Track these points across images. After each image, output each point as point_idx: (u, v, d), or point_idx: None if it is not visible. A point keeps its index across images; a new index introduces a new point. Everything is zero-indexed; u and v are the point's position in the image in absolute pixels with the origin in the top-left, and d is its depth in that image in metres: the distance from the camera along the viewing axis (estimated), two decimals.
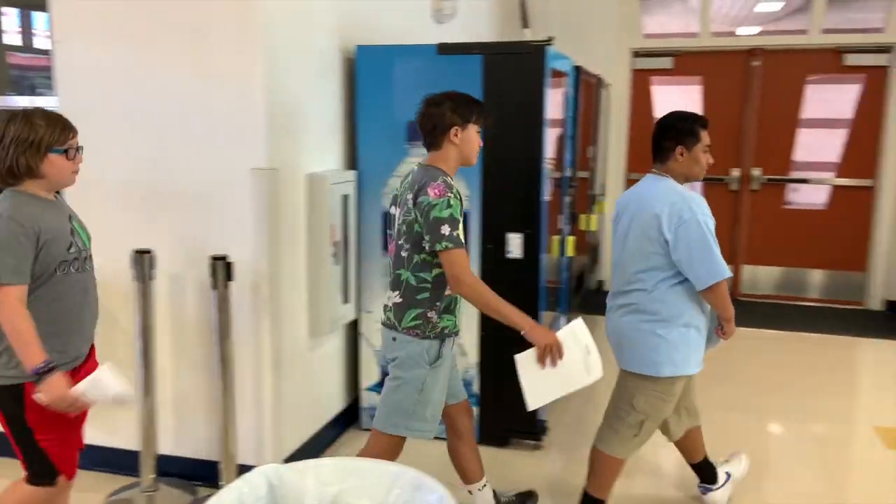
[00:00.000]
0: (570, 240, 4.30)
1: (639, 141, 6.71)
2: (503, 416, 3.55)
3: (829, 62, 6.29)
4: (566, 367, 2.39)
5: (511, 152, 3.39)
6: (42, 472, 2.19)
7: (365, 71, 3.52)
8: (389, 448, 2.53)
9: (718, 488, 3.06)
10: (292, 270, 3.23)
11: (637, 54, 6.69)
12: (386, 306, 2.53)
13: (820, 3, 6.15)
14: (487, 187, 3.44)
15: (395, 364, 2.49)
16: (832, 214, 6.50)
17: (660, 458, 3.47)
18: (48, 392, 2.02)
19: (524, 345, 2.41)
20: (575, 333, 2.43)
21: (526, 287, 3.44)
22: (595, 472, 2.79)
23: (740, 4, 6.87)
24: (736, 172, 6.55)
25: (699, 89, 6.57)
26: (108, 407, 2.19)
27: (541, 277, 3.45)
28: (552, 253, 3.95)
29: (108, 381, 2.10)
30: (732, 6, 6.91)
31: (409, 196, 2.41)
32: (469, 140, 2.47)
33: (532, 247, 3.43)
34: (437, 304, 2.44)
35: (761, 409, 4.17)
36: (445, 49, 3.40)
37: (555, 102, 3.74)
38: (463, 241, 2.37)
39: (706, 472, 3.04)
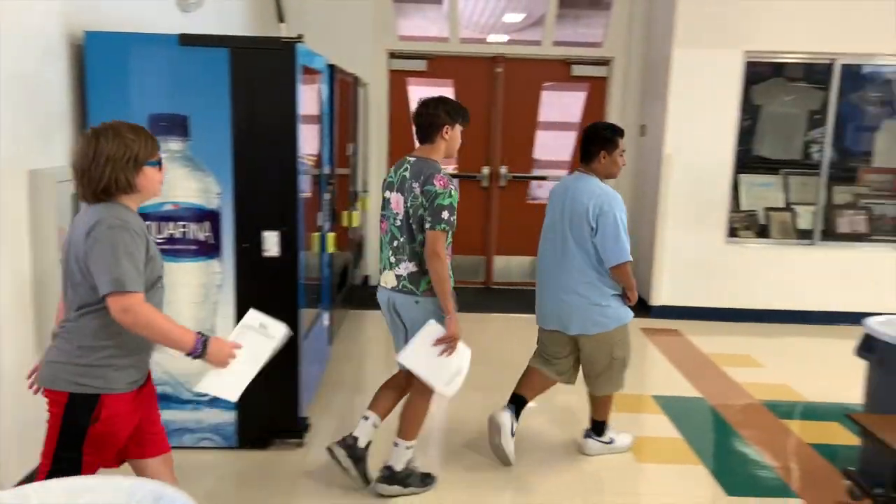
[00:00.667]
0: (331, 236, 4.34)
1: (398, 139, 6.95)
2: (262, 418, 3.48)
3: (560, 72, 7.04)
4: (441, 360, 2.97)
5: (264, 149, 3.34)
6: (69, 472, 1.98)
7: (95, 59, 3.24)
8: (431, 392, 3.07)
9: (599, 441, 3.68)
10: (14, 280, 2.88)
11: (393, 55, 6.92)
12: (399, 276, 3.00)
13: (551, 18, 6.85)
14: (241, 184, 3.34)
15: (422, 322, 2.96)
16: None
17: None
18: (217, 356, 2.12)
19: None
20: None
21: (284, 285, 3.41)
22: (597, 407, 3.64)
23: (488, 14, 7.43)
24: (486, 170, 7.07)
25: (452, 91, 6.98)
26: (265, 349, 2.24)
27: (299, 275, 3.44)
28: (312, 250, 3.97)
29: (260, 319, 2.26)
30: (482, 15, 7.45)
31: (416, 185, 2.93)
32: (455, 137, 3.04)
33: (290, 244, 3.40)
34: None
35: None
36: (188, 40, 3.25)
37: (309, 100, 3.75)
38: (455, 225, 2.93)
39: (518, 406, 3.59)
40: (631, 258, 3.31)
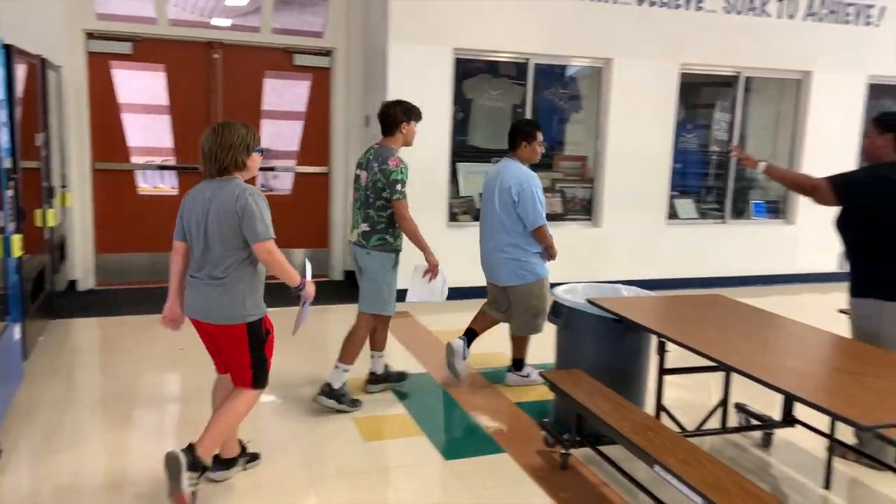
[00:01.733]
0: (16, 238, 3.82)
1: (102, 127, 6.32)
2: None
3: (282, 61, 6.95)
4: (432, 284, 4.16)
5: None
6: (263, 380, 3.12)
7: None
8: (372, 321, 4.11)
9: (518, 375, 4.56)
10: None
11: (92, 36, 6.26)
12: (359, 233, 4.03)
13: (269, 4, 6.71)
14: None
15: (370, 270, 4.03)
16: (297, 199, 7.25)
17: None
18: (310, 291, 3.09)
19: None
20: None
21: None
22: (517, 346, 4.59)
23: None
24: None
25: (164, 78, 6.52)
26: None
27: None
28: None
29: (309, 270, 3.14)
30: None
31: (376, 165, 3.93)
32: (411, 131, 4.06)
33: None
34: (391, 230, 3.99)
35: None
36: None
37: None
38: (407, 195, 3.93)
39: (470, 338, 4.60)
40: (545, 222, 4.26)
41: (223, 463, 3.25)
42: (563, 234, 7.23)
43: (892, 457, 3.35)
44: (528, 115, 6.91)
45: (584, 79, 7.42)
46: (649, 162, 7.28)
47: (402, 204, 3.90)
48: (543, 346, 5.02)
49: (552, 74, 7.30)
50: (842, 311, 4.74)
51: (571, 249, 6.79)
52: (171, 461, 2.83)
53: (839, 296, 5.27)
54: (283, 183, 7.29)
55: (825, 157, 7.80)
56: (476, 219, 7.07)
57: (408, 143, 4.10)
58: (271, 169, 7.18)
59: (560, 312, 3.95)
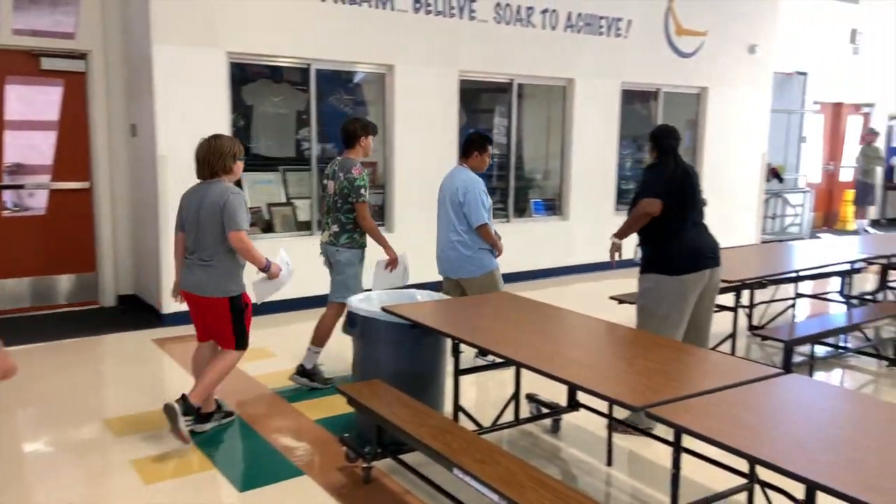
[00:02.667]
0: None
1: None
2: None
3: (27, 65, 6.12)
4: (393, 274, 4.72)
5: None
6: (244, 343, 3.90)
7: None
8: (340, 309, 4.54)
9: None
10: None
11: None
12: (329, 234, 4.61)
13: (7, 3, 5.88)
14: None
15: (339, 265, 4.59)
16: (54, 219, 6.43)
17: None
18: (275, 269, 3.90)
19: None
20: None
21: None
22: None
23: None
24: None
25: None
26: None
27: None
28: None
29: (285, 257, 4.02)
30: None
31: (342, 174, 4.50)
32: (368, 144, 4.58)
33: None
34: (358, 230, 4.56)
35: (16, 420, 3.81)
36: None
37: None
38: (368, 198, 4.49)
39: None
40: (487, 221, 4.75)
41: (202, 417, 3.90)
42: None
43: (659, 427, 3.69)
44: (313, 120, 6.74)
45: (369, 84, 7.41)
46: (435, 166, 7.43)
47: (362, 206, 4.46)
48: (341, 359, 4.90)
49: (337, 80, 7.21)
50: (612, 298, 5.19)
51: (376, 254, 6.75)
52: (169, 410, 3.58)
53: (610, 283, 5.72)
54: (37, 201, 6.42)
55: (589, 157, 8.54)
56: (267, 230, 6.78)
57: (367, 154, 4.64)
58: (20, 187, 6.30)
59: (355, 323, 3.85)
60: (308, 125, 6.83)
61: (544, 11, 7.91)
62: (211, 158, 3.74)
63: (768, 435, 2.18)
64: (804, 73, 11.84)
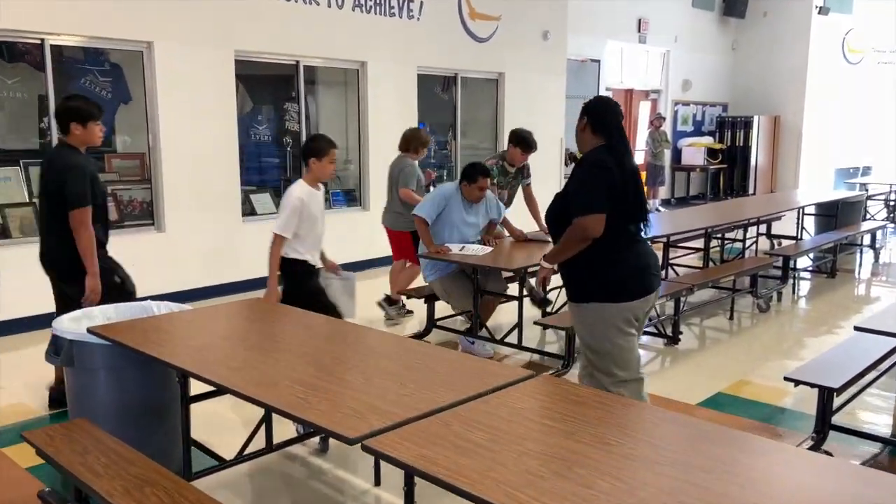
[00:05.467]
0: None
1: None
2: None
3: None
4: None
5: None
6: None
7: None
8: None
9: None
10: None
11: None
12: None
13: None
14: None
15: None
16: None
17: None
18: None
19: None
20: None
21: None
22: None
23: None
24: None
25: None
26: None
27: None
28: None
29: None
30: None
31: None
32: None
33: None
34: None
35: None
36: None
37: None
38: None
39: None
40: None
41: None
42: (122, 244, 6.26)
43: None
44: (52, 106, 5.75)
45: (130, 66, 6.48)
46: (213, 157, 6.70)
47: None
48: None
49: (88, 59, 6.23)
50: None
51: (136, 258, 5.89)
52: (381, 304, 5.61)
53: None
54: None
55: (390, 145, 8.16)
56: (2, 235, 5.69)
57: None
58: None
59: (61, 348, 3.13)
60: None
61: None
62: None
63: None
64: (597, 61, 12.30)
